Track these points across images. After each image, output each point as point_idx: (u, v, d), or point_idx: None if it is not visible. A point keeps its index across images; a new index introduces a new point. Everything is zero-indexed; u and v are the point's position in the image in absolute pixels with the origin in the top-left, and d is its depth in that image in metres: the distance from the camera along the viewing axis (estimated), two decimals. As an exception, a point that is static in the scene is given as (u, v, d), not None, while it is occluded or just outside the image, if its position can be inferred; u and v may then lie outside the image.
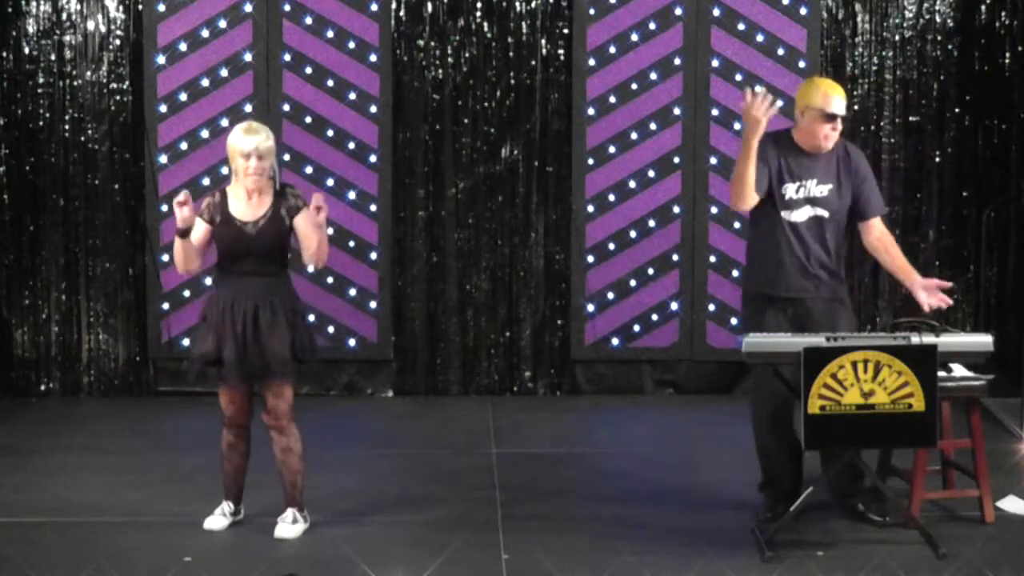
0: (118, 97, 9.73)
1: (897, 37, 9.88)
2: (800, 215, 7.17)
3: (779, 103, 7.15)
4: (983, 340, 7.02)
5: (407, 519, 7.36)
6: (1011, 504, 7.46)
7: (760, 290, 7.24)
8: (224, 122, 9.65)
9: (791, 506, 7.05)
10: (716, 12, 9.71)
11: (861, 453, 7.12)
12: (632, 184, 9.76)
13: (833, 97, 7.15)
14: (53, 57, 9.68)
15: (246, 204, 7.05)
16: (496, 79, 9.79)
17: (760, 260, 7.27)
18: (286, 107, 9.69)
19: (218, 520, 7.19)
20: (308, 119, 9.70)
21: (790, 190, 7.17)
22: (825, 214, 7.19)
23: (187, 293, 9.73)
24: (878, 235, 7.27)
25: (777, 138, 7.30)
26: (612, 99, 9.73)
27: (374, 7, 9.68)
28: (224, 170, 9.65)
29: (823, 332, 6.95)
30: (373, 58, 9.69)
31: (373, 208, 9.76)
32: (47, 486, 7.91)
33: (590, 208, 9.79)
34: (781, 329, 7.12)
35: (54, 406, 9.65)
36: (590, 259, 9.80)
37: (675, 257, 9.79)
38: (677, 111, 9.75)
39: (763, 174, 7.14)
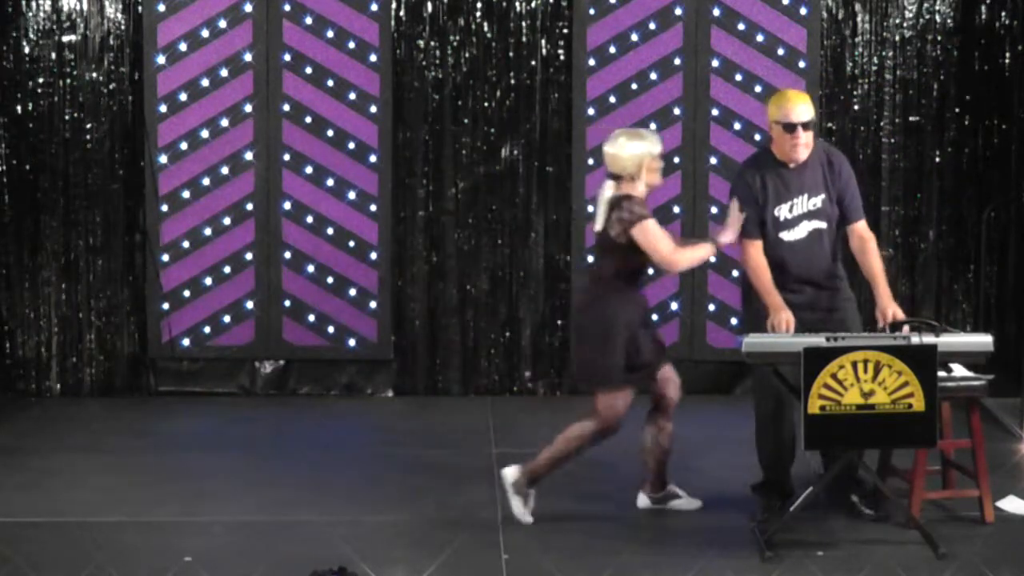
0: (118, 97, 9.73)
1: (897, 37, 9.88)
2: (799, 232, 7.19)
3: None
4: (983, 340, 7.02)
5: (407, 519, 7.36)
6: (1011, 504, 7.46)
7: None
8: (224, 122, 9.65)
9: (786, 504, 7.07)
10: (716, 12, 9.71)
11: (864, 453, 7.14)
12: (632, 184, 9.75)
13: (792, 107, 7.10)
14: (53, 57, 9.68)
15: None
16: (496, 79, 9.79)
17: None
18: (286, 107, 9.69)
19: (526, 517, 7.26)
20: (308, 119, 9.70)
21: (783, 211, 7.18)
22: (823, 225, 7.21)
23: (187, 293, 9.73)
24: (860, 238, 7.26)
25: (758, 161, 7.31)
26: (612, 99, 9.73)
27: (374, 7, 9.68)
28: (224, 170, 9.68)
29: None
30: (373, 58, 9.69)
31: (373, 208, 9.76)
32: (47, 486, 7.90)
33: (590, 208, 9.75)
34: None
35: (54, 406, 9.65)
36: (590, 259, 9.77)
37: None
38: (677, 111, 9.75)
39: (755, 212, 7.18)
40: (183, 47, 9.65)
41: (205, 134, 9.68)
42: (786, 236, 7.18)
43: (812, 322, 7.15)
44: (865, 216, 7.33)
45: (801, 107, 7.10)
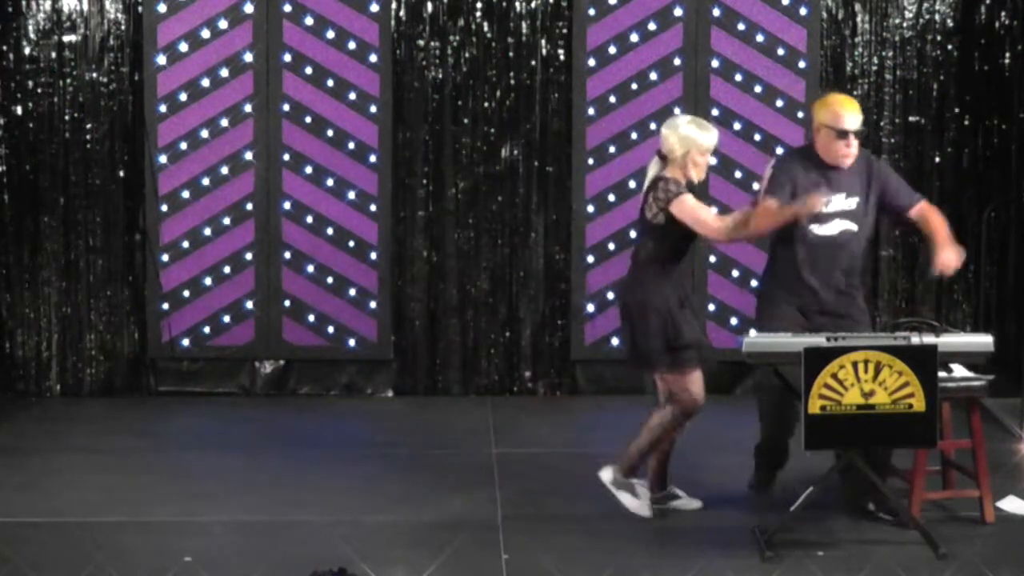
0: (118, 97, 9.73)
1: (897, 37, 9.88)
2: (831, 228, 7.23)
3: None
4: (983, 340, 7.03)
5: (407, 519, 7.36)
6: (1011, 504, 7.46)
7: (790, 303, 7.30)
8: (224, 122, 9.65)
9: (775, 475, 7.28)
10: (716, 12, 9.71)
11: (875, 452, 7.16)
12: (632, 184, 9.75)
13: (844, 115, 7.18)
14: (53, 57, 9.68)
15: None
16: (496, 79, 9.79)
17: (788, 274, 7.30)
18: (286, 107, 9.69)
19: (643, 507, 7.30)
20: (308, 119, 9.70)
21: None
22: (855, 227, 7.26)
23: (187, 293, 9.73)
24: (923, 215, 7.45)
25: (802, 153, 7.38)
26: (612, 99, 9.73)
27: (374, 7, 9.68)
28: (224, 170, 9.68)
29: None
30: (373, 58, 9.69)
31: (373, 208, 9.76)
32: (47, 486, 7.91)
33: (590, 208, 9.79)
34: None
35: (54, 406, 9.65)
36: (590, 259, 9.80)
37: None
38: (677, 111, 9.74)
39: (786, 191, 7.16)
40: (183, 47, 9.65)
41: (205, 134, 9.68)
42: (817, 230, 7.22)
43: (822, 324, 7.20)
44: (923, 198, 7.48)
45: (853, 115, 7.19)
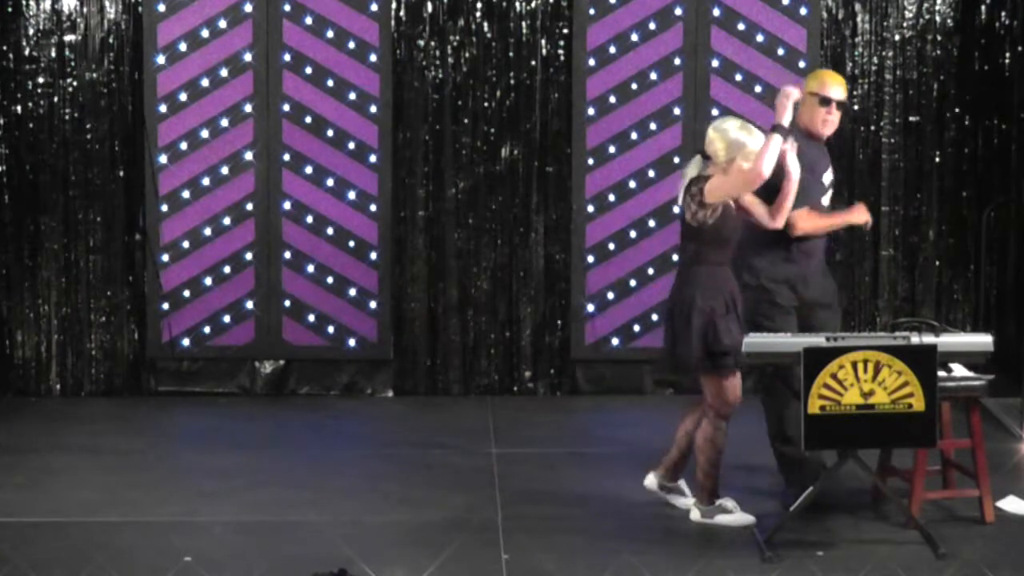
0: (118, 97, 9.73)
1: (897, 37, 9.88)
2: (826, 201, 7.55)
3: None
4: (983, 340, 7.03)
5: (407, 519, 7.36)
6: (1011, 504, 7.46)
7: (793, 271, 7.45)
8: (224, 122, 9.65)
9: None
10: (716, 12, 9.71)
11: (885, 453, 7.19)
12: (632, 184, 9.76)
13: (830, 84, 7.52)
14: (53, 57, 9.68)
15: None
16: (496, 79, 9.79)
17: (793, 245, 7.43)
18: (286, 107, 9.69)
19: (742, 517, 7.24)
20: (308, 119, 9.70)
21: (827, 177, 7.54)
22: (830, 200, 7.61)
23: (187, 293, 9.73)
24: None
25: (795, 132, 7.46)
26: (612, 99, 9.73)
27: (374, 7, 9.68)
28: (224, 170, 9.68)
29: (818, 310, 7.45)
30: (373, 58, 9.69)
31: (373, 208, 9.76)
32: (47, 486, 7.91)
33: (590, 208, 9.79)
34: (794, 309, 7.43)
35: (54, 406, 9.65)
36: (590, 259, 9.80)
37: (675, 257, 9.78)
38: (677, 111, 9.75)
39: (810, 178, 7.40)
40: (183, 47, 9.65)
41: (205, 134, 9.68)
42: (825, 202, 7.56)
43: (816, 292, 7.50)
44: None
45: (839, 87, 7.53)
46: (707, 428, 7.23)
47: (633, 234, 9.80)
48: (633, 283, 9.80)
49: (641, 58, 9.74)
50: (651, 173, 9.77)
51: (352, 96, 9.70)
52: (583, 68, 9.73)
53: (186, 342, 9.76)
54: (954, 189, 9.97)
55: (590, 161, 9.75)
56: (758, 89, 9.72)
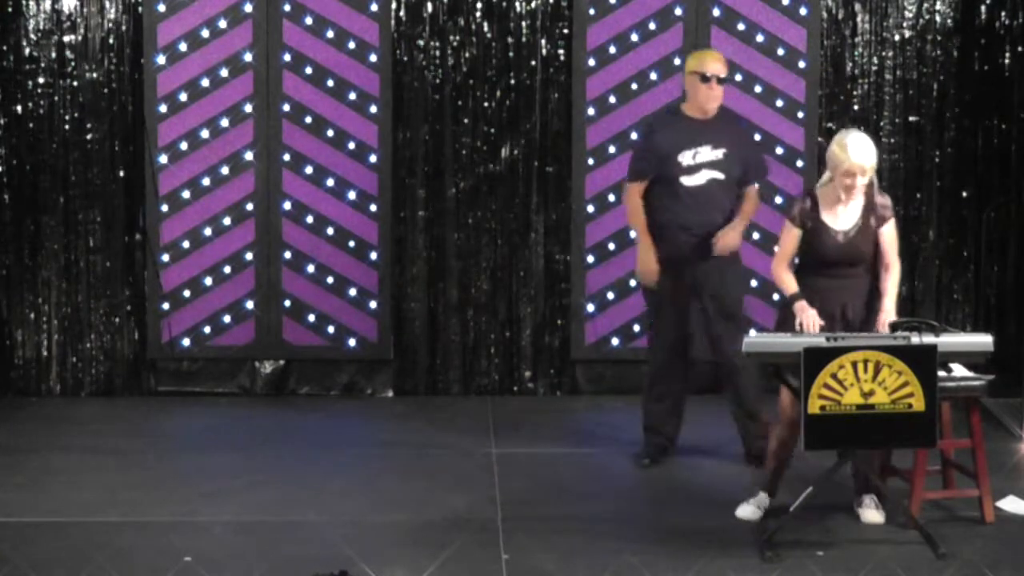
0: (118, 97, 9.73)
1: (897, 37, 9.88)
2: (699, 179, 7.97)
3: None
4: (983, 340, 7.03)
5: (407, 519, 7.36)
6: (1011, 504, 7.46)
7: (664, 253, 8.06)
8: (224, 122, 9.65)
9: (663, 452, 8.02)
10: (716, 12, 9.71)
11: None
12: (632, 184, 9.76)
13: (707, 60, 8.03)
14: (53, 57, 9.68)
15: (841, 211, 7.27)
16: (496, 79, 9.79)
17: (661, 226, 8.06)
18: (286, 107, 9.69)
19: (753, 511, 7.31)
20: (308, 119, 9.70)
21: (686, 157, 7.96)
22: (722, 176, 8.00)
23: (187, 293, 9.73)
24: (747, 198, 8.12)
25: (668, 119, 8.19)
26: (612, 99, 9.73)
27: (374, 7, 9.68)
28: (224, 170, 9.68)
29: (709, 292, 7.96)
30: (373, 58, 9.69)
31: (373, 208, 9.76)
32: (47, 486, 7.91)
33: (590, 208, 9.79)
34: (680, 294, 8.06)
35: (54, 406, 9.65)
36: (590, 259, 9.80)
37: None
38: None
39: (652, 161, 8.03)
40: (183, 47, 9.65)
41: (205, 134, 9.68)
42: (687, 181, 7.97)
43: (696, 270, 8.00)
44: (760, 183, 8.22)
45: (717, 62, 8.02)
46: (776, 433, 7.42)
47: (633, 234, 9.78)
48: (633, 283, 9.79)
49: (641, 58, 9.74)
50: (651, 173, 9.76)
51: (352, 96, 9.70)
52: (583, 68, 9.73)
53: (186, 342, 9.76)
54: (954, 189, 9.97)
55: (590, 161, 9.75)
56: (758, 89, 9.72)
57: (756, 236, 9.49)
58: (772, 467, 7.35)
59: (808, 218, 7.20)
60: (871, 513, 7.25)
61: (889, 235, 7.30)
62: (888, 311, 7.19)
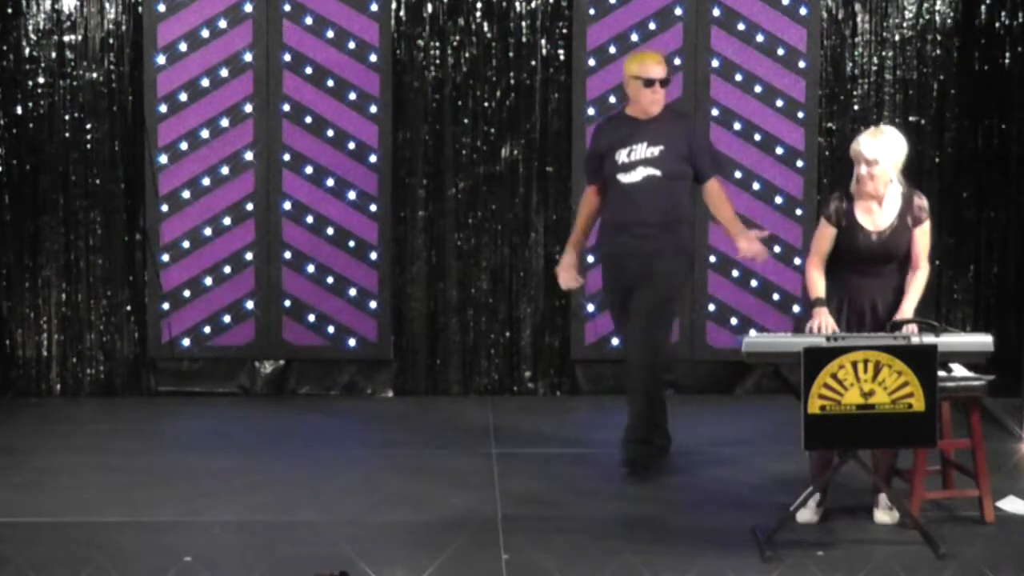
0: (118, 97, 9.73)
1: (897, 37, 9.88)
2: (635, 176, 8.01)
3: None
4: (983, 340, 7.03)
5: (407, 519, 7.36)
6: (1011, 504, 7.46)
7: (605, 251, 8.23)
8: (224, 122, 9.65)
9: (651, 452, 7.97)
10: (716, 12, 9.71)
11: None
12: (632, 184, 9.75)
13: (649, 64, 8.05)
14: (53, 57, 9.68)
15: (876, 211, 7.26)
16: (496, 79, 9.79)
17: (604, 224, 8.20)
18: (286, 107, 9.69)
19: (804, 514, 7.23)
20: (308, 119, 9.70)
21: (622, 155, 8.02)
22: (658, 173, 7.99)
23: (187, 293, 9.73)
24: (709, 193, 8.15)
25: (611, 121, 8.27)
26: (612, 99, 9.72)
27: (374, 7, 9.68)
28: (224, 170, 9.68)
29: (639, 284, 7.94)
30: (373, 58, 9.69)
31: (373, 208, 9.76)
32: (47, 486, 7.91)
33: (590, 208, 9.77)
34: (618, 286, 8.10)
35: (54, 406, 9.65)
36: (589, 259, 9.79)
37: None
38: (677, 111, 9.74)
39: (595, 162, 8.17)
40: (183, 47, 9.65)
41: (205, 134, 9.68)
42: (623, 178, 8.03)
43: (632, 267, 7.99)
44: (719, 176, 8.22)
45: (657, 64, 8.06)
46: None
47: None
48: (633, 283, 9.79)
49: (641, 58, 9.73)
50: (651, 173, 9.76)
51: (352, 96, 9.70)
52: (583, 68, 9.73)
53: (186, 342, 9.76)
54: (954, 189, 9.96)
55: (590, 161, 9.74)
56: (758, 89, 9.72)
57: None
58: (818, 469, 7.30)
59: (843, 217, 7.21)
60: (881, 514, 7.25)
61: (922, 236, 7.26)
62: (906, 313, 7.17)
